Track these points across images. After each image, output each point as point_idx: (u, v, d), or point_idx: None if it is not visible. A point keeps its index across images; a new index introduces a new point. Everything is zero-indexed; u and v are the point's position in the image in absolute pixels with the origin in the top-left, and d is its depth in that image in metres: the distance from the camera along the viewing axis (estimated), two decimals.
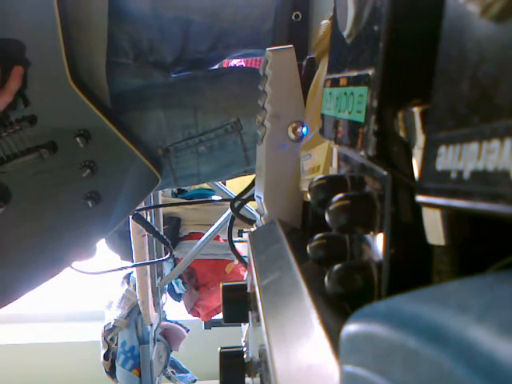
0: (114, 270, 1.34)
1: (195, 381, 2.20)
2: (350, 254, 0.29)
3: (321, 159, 0.38)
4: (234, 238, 1.01)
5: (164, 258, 1.41)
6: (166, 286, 2.09)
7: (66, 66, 0.77)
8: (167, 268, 2.06)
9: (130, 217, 1.71)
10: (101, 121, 0.81)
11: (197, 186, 2.17)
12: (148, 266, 1.83)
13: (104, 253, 1.92)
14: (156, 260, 1.84)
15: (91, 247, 0.93)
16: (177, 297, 2.20)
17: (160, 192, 1.92)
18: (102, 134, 0.81)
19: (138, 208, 1.15)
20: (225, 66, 1.26)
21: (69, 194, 0.85)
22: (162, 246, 1.93)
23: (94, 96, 0.82)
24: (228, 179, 1.26)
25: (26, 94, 0.78)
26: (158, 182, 0.87)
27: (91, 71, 0.82)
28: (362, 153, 0.23)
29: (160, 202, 1.91)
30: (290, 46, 0.50)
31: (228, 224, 0.89)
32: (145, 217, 1.72)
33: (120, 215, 0.88)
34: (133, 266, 1.74)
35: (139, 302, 1.85)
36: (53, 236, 0.87)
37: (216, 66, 1.03)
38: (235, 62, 1.41)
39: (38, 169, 0.82)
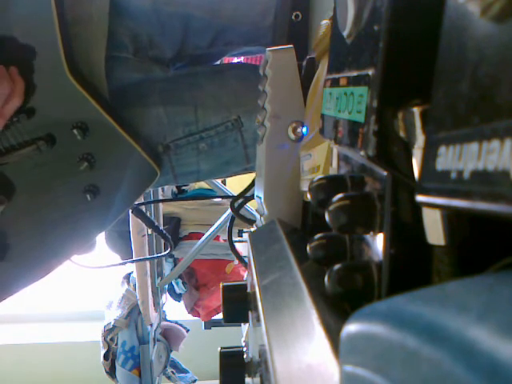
0: (114, 265, 1.36)
1: (195, 381, 2.20)
2: (350, 253, 0.29)
3: (321, 159, 0.38)
4: (234, 238, 1.01)
5: (164, 253, 1.42)
6: (166, 286, 2.09)
7: (63, 58, 0.77)
8: (167, 268, 2.06)
9: (130, 216, 1.72)
10: (98, 113, 0.80)
11: (196, 186, 2.17)
12: (148, 266, 1.83)
13: (105, 252, 1.92)
14: (156, 255, 1.83)
15: (90, 241, 0.93)
16: (177, 297, 2.20)
17: (160, 192, 1.92)
18: (100, 126, 0.81)
19: (137, 203, 1.15)
20: (225, 62, 1.25)
21: (67, 188, 0.85)
22: (162, 247, 1.93)
23: (93, 88, 0.81)
24: (227, 177, 1.26)
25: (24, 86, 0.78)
26: (156, 176, 0.87)
27: (90, 65, 0.82)
28: (362, 153, 0.23)
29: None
30: (290, 45, 0.50)
31: (228, 224, 0.89)
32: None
33: (119, 209, 0.88)
34: (133, 261, 1.74)
35: (139, 302, 1.85)
36: (52, 229, 0.87)
37: (217, 63, 1.03)
38: (236, 61, 1.41)
39: (36, 162, 0.82)
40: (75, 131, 0.80)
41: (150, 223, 1.19)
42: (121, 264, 1.49)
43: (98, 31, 0.83)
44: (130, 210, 1.14)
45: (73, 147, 0.82)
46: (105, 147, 0.83)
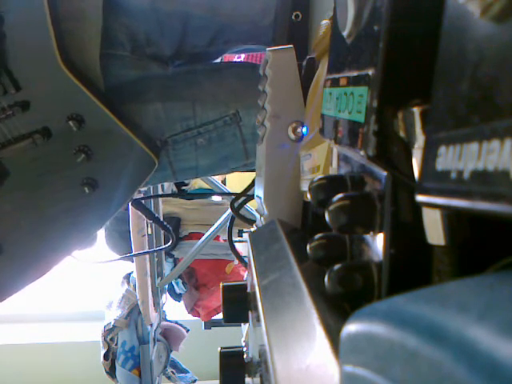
0: (114, 260, 1.37)
1: (195, 381, 2.20)
2: (350, 254, 0.29)
3: (321, 159, 0.38)
4: (234, 238, 1.01)
5: (166, 245, 1.42)
6: (166, 286, 2.09)
7: (56, 51, 0.77)
8: (167, 268, 2.07)
9: (130, 215, 1.72)
10: (94, 104, 0.80)
11: (196, 186, 2.17)
12: (148, 266, 1.83)
13: (105, 250, 1.92)
14: (158, 248, 1.83)
15: (90, 235, 0.92)
16: (177, 297, 2.20)
17: (160, 192, 1.92)
18: (96, 117, 0.81)
19: (137, 197, 1.14)
20: (225, 60, 1.25)
21: (65, 181, 0.84)
22: (163, 246, 1.93)
23: (87, 80, 0.81)
24: (227, 173, 1.26)
25: (17, 79, 0.78)
26: (154, 166, 0.86)
27: (85, 62, 0.82)
28: (362, 153, 0.23)
29: (160, 202, 1.92)
30: (290, 46, 0.50)
31: (228, 224, 0.89)
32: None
33: (118, 202, 0.88)
34: (134, 256, 1.74)
35: (139, 302, 1.85)
36: (51, 224, 0.87)
37: (216, 61, 1.02)
38: (235, 59, 1.41)
39: (32, 156, 0.81)
40: (71, 123, 0.80)
41: (149, 215, 1.19)
42: (121, 258, 1.49)
43: (92, 28, 0.83)
44: (130, 203, 1.14)
45: (69, 139, 0.81)
46: (101, 139, 0.83)
